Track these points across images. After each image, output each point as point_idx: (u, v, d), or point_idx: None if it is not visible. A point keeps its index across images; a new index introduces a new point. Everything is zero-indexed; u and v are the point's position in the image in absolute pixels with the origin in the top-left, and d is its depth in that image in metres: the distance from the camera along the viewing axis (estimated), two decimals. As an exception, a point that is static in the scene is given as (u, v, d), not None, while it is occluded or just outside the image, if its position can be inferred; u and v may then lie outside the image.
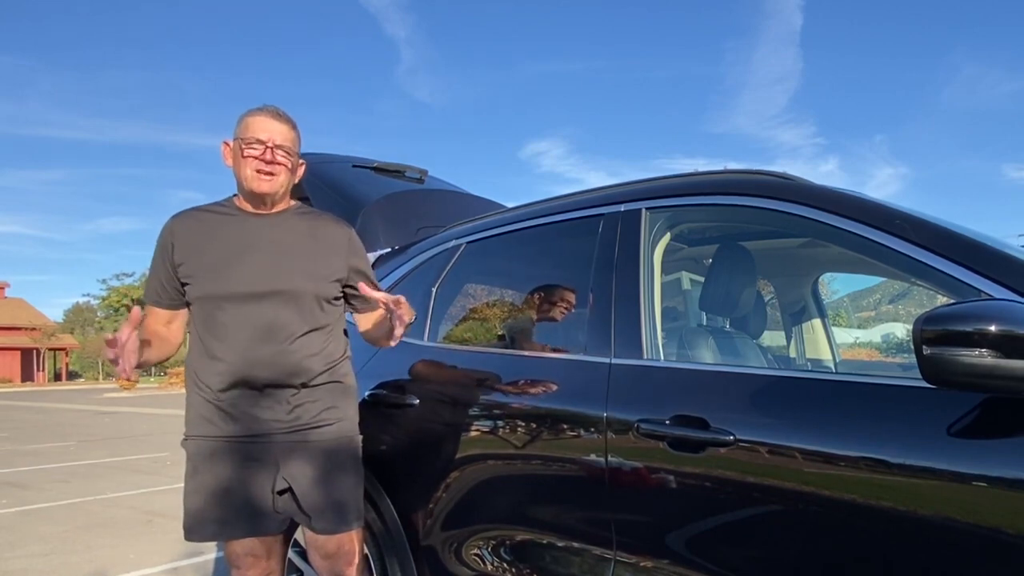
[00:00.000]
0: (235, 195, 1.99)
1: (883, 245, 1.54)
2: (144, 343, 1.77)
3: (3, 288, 54.75)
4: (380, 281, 2.14)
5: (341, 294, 1.99)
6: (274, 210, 1.96)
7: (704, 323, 2.47)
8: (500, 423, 1.99)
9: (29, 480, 7.40)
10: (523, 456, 1.91)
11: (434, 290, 2.42)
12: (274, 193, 1.91)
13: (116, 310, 56.71)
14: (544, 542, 1.86)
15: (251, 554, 1.88)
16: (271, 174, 1.87)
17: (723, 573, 1.53)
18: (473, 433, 2.04)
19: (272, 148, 1.86)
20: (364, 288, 1.80)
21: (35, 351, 52.06)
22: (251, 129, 1.87)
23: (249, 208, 1.94)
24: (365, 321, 2.04)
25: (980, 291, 1.37)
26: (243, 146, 1.86)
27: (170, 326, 1.94)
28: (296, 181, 1.99)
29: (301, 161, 1.99)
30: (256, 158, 1.85)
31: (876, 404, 1.40)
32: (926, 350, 1.23)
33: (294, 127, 1.94)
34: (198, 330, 1.88)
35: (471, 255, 2.43)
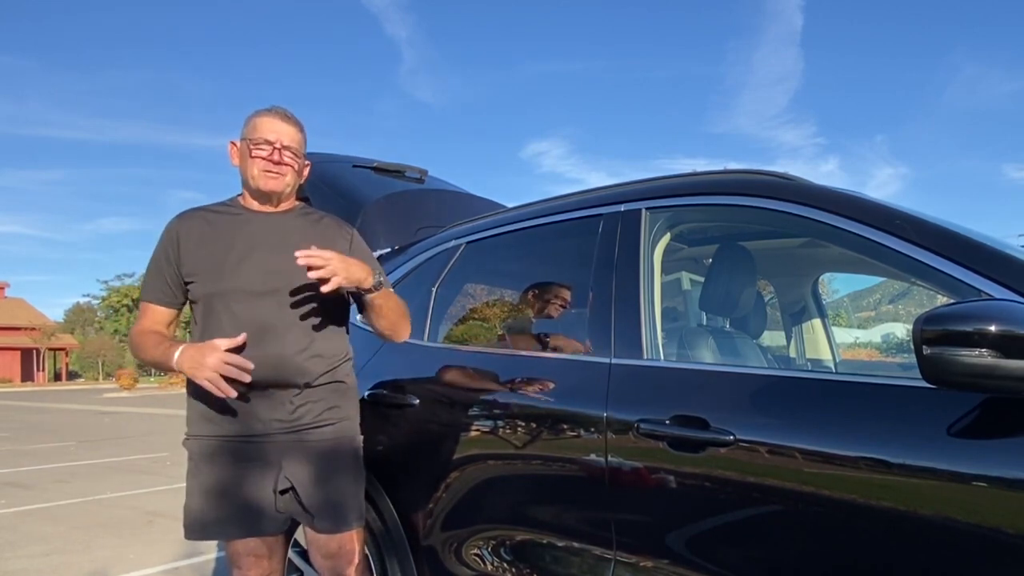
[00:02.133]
0: (239, 195, 2.00)
1: (883, 245, 1.54)
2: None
3: (3, 288, 54.77)
4: None
5: (345, 294, 1.99)
6: (279, 209, 1.97)
7: (704, 323, 2.48)
8: (500, 423, 1.99)
9: (29, 480, 7.40)
10: (523, 456, 1.91)
11: (434, 290, 2.42)
12: (281, 191, 1.92)
13: (116, 310, 56.76)
14: (544, 542, 1.86)
15: (253, 554, 1.88)
16: (278, 174, 1.89)
17: (723, 573, 1.53)
18: (473, 433, 2.04)
19: (279, 149, 1.88)
20: (312, 250, 1.73)
21: (35, 351, 52.07)
22: (259, 130, 1.88)
23: (254, 207, 1.95)
24: (369, 314, 2.03)
25: (980, 291, 1.37)
26: (251, 146, 1.88)
27: (169, 328, 1.95)
28: (301, 182, 2.00)
29: (307, 162, 2.01)
30: (263, 159, 1.87)
31: (876, 404, 1.40)
32: (926, 350, 1.23)
33: (301, 129, 1.96)
34: (201, 328, 1.88)
35: (471, 255, 2.43)
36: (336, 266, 1.72)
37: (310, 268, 1.71)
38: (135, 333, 1.92)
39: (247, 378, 1.72)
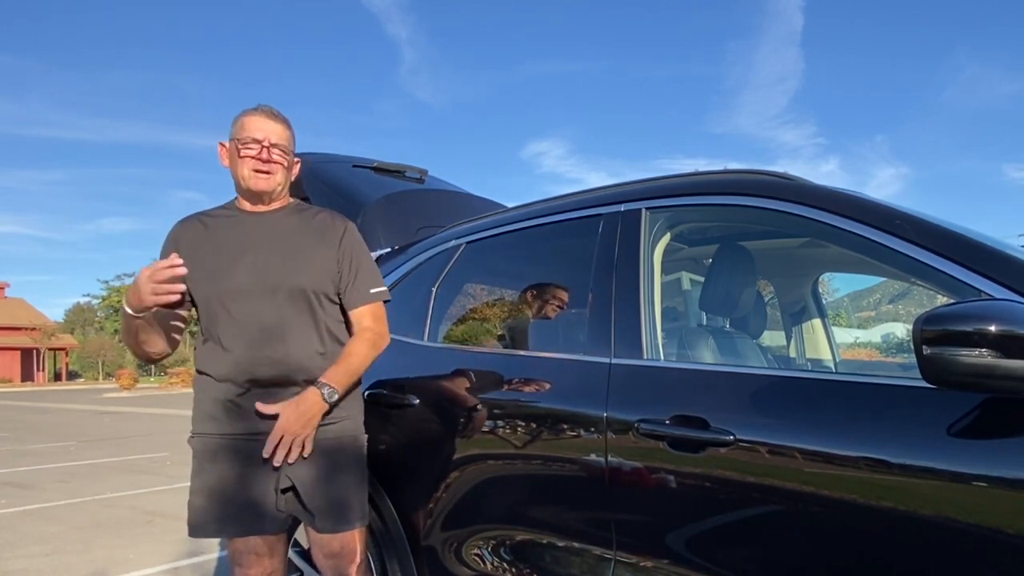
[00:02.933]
0: (236, 197, 2.00)
1: (883, 245, 1.54)
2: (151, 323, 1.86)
3: (3, 288, 54.76)
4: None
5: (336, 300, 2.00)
6: (272, 207, 1.97)
7: (704, 323, 2.47)
8: (500, 423, 1.99)
9: (29, 480, 7.40)
10: (523, 456, 1.91)
11: (434, 290, 2.42)
12: (272, 190, 1.92)
13: (116, 310, 56.73)
14: (544, 542, 1.86)
15: (253, 552, 1.89)
16: (268, 172, 1.89)
17: (723, 573, 1.53)
18: (473, 433, 2.04)
19: (268, 147, 1.88)
20: (260, 407, 1.82)
21: (35, 351, 52.05)
22: (247, 129, 1.89)
23: (248, 207, 1.96)
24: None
25: (980, 291, 1.37)
26: (239, 146, 1.88)
27: (173, 326, 1.96)
28: (292, 179, 2.00)
29: (296, 159, 2.01)
30: (253, 158, 1.88)
31: (876, 404, 1.40)
32: (926, 350, 1.23)
33: (288, 126, 1.96)
34: (203, 330, 1.91)
35: (471, 255, 2.43)
36: (291, 436, 1.80)
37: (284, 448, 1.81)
38: None
39: (179, 286, 1.76)
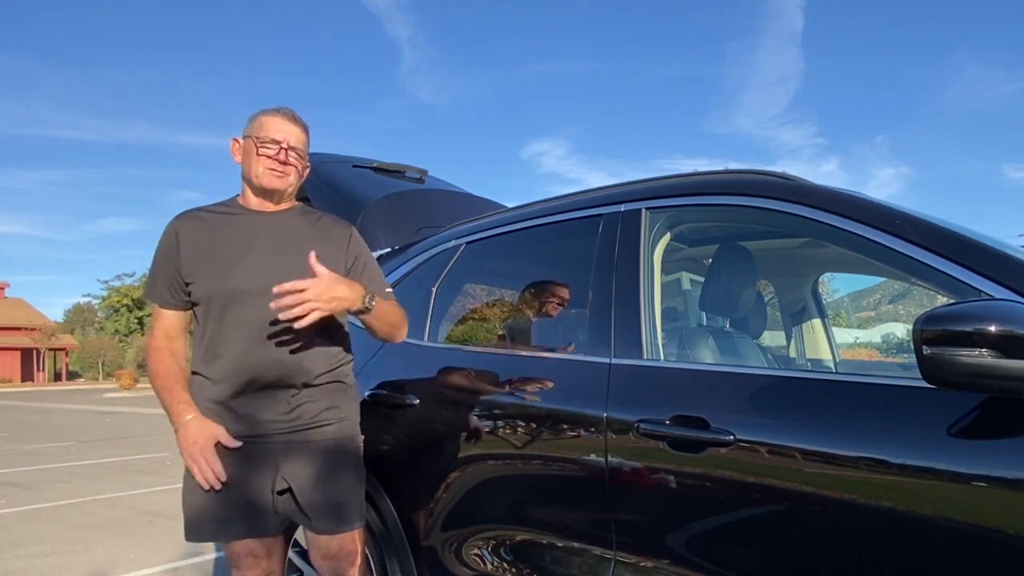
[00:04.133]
0: (237, 195, 2.00)
1: (883, 245, 1.54)
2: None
3: (3, 288, 54.79)
4: None
5: None
6: (279, 208, 1.98)
7: (704, 323, 2.48)
8: (500, 423, 2.00)
9: (29, 480, 7.40)
10: (523, 456, 1.91)
11: (434, 290, 2.42)
12: (283, 190, 1.94)
13: (116, 310, 56.88)
14: (544, 542, 1.86)
15: (251, 554, 1.88)
16: (284, 174, 1.91)
17: (723, 573, 1.53)
18: (473, 433, 2.04)
19: (286, 149, 1.90)
20: (311, 260, 1.75)
21: (35, 351, 52.05)
22: (266, 129, 1.90)
23: (253, 205, 1.96)
24: (362, 322, 2.03)
25: (980, 291, 1.37)
26: (258, 144, 1.89)
27: (181, 339, 1.95)
28: (301, 184, 2.01)
29: (307, 164, 2.02)
30: (270, 158, 1.89)
31: (876, 404, 1.41)
32: (926, 350, 1.24)
33: (306, 130, 1.98)
34: (201, 329, 1.89)
35: (471, 255, 2.43)
36: (312, 296, 1.70)
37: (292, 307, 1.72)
38: (151, 349, 1.93)
39: (217, 484, 1.80)
